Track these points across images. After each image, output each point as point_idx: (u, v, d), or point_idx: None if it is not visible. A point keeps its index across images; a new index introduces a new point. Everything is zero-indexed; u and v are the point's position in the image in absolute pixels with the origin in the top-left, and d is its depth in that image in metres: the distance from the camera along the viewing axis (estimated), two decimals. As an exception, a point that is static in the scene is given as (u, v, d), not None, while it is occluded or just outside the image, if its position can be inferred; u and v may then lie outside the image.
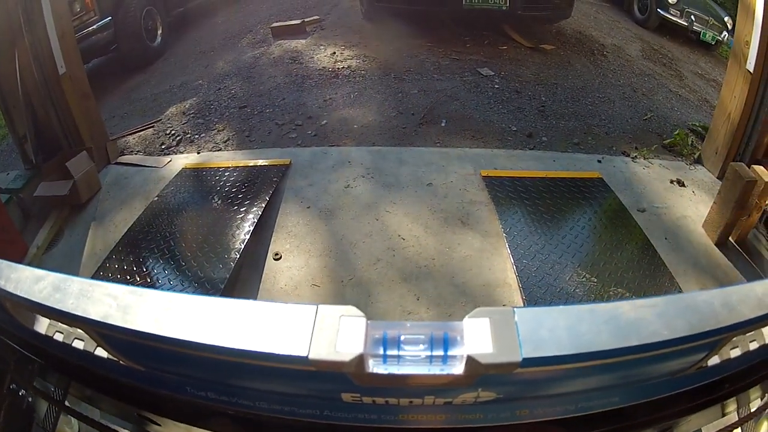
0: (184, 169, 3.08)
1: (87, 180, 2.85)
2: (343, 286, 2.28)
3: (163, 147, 3.42)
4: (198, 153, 3.31)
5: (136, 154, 3.37)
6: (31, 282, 0.58)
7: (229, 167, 3.03)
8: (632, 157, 3.19)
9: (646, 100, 4.01)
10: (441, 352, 0.49)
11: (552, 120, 3.57)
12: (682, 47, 5.55)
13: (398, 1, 4.68)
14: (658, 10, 5.70)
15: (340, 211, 2.67)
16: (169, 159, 3.24)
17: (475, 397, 0.55)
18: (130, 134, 3.59)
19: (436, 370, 0.49)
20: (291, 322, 0.50)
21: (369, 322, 0.50)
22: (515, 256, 2.32)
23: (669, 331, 0.49)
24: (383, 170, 2.95)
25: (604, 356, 0.49)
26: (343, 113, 3.60)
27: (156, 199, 2.82)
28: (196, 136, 3.49)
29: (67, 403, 0.73)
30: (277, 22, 5.06)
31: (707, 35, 5.56)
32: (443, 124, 3.45)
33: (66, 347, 0.66)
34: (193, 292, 2.19)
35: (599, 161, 3.12)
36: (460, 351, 0.49)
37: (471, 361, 0.47)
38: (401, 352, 0.49)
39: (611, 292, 2.18)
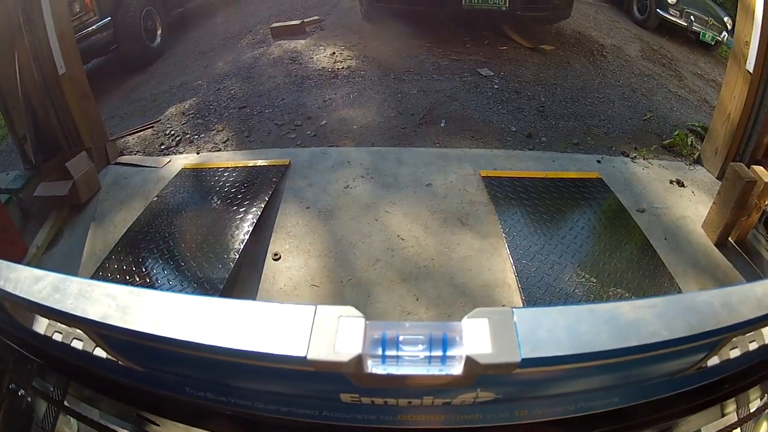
0: (183, 170, 3.08)
1: (86, 180, 2.85)
2: (343, 286, 2.28)
3: (162, 147, 3.42)
4: (197, 153, 3.31)
5: (135, 154, 3.37)
6: (31, 282, 0.58)
7: (228, 167, 3.03)
8: (632, 158, 3.19)
9: (646, 100, 4.01)
10: (440, 353, 0.49)
11: (551, 120, 3.57)
12: (682, 47, 5.55)
13: (398, 2, 4.68)
14: (658, 10, 5.71)
15: (340, 211, 2.67)
16: (168, 159, 3.24)
17: (474, 398, 0.54)
18: (130, 134, 3.59)
19: (434, 370, 0.49)
20: (290, 323, 0.50)
21: (368, 322, 0.50)
22: (514, 257, 2.32)
23: (668, 332, 0.49)
24: (383, 171, 2.95)
25: (604, 357, 0.49)
26: (342, 113, 3.60)
27: (155, 199, 2.82)
28: (196, 137, 3.49)
29: (66, 403, 0.73)
30: (276, 22, 5.06)
31: (707, 35, 5.57)
32: (443, 125, 3.46)
33: (65, 347, 0.66)
34: (193, 293, 2.19)
35: (599, 161, 3.12)
36: (459, 351, 0.49)
37: (470, 361, 0.47)
38: (400, 353, 0.49)
39: (611, 293, 2.18)
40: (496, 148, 3.24)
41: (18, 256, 2.45)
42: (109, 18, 4.32)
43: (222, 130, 3.53)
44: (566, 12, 4.80)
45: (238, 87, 4.06)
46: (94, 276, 2.34)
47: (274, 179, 2.85)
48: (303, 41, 4.69)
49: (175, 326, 0.52)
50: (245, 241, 2.41)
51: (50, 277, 0.58)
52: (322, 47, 4.53)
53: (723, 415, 0.69)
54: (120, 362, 0.62)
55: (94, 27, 4.19)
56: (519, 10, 4.44)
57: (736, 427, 0.69)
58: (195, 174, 3.05)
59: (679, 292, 2.17)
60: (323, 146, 3.24)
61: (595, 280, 2.23)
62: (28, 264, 2.37)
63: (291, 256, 2.43)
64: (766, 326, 0.60)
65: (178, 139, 3.48)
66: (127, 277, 2.31)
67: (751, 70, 2.70)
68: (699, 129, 3.54)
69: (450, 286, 2.26)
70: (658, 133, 3.52)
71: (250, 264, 2.40)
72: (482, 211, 2.66)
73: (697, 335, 0.50)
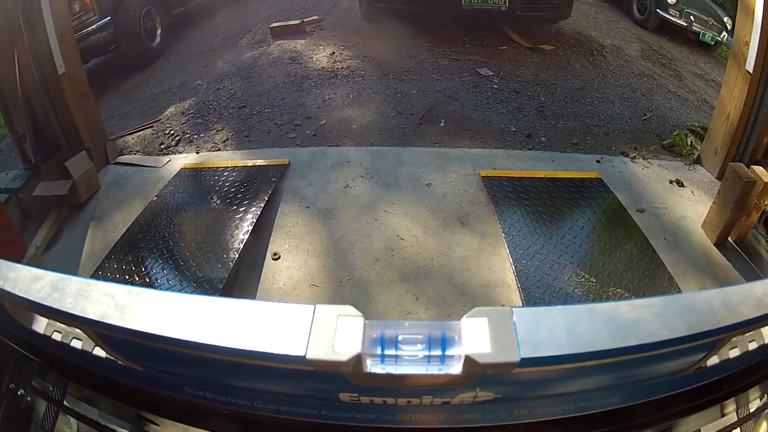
0: (183, 169, 3.08)
1: (86, 180, 2.85)
2: (342, 286, 2.28)
3: (162, 147, 3.42)
4: (197, 153, 3.31)
5: (135, 153, 3.37)
6: (30, 281, 0.58)
7: (228, 167, 3.03)
8: (631, 158, 3.19)
9: (646, 100, 4.01)
10: (439, 352, 0.49)
11: (551, 120, 3.57)
12: (682, 47, 5.55)
13: (397, 2, 4.68)
14: (658, 10, 5.71)
15: (339, 211, 2.67)
16: (168, 159, 3.24)
17: (473, 397, 0.54)
18: (129, 134, 3.59)
19: (434, 369, 0.49)
20: (289, 322, 0.50)
21: (367, 321, 0.50)
22: (514, 256, 2.32)
23: (668, 332, 0.49)
24: (382, 170, 2.95)
25: (603, 356, 0.49)
26: (342, 113, 3.60)
27: (155, 198, 2.82)
28: (195, 136, 3.49)
29: (65, 403, 0.73)
30: (276, 22, 5.06)
31: (706, 35, 5.57)
32: (442, 125, 3.45)
33: (64, 347, 0.66)
34: (192, 292, 2.19)
35: (598, 161, 3.12)
36: (458, 351, 0.49)
37: (469, 360, 0.47)
38: (399, 352, 0.49)
39: (610, 292, 2.18)
40: (495, 147, 3.24)
41: (17, 256, 2.45)
42: (109, 17, 4.32)
43: (221, 129, 3.53)
44: (566, 12, 4.80)
45: (238, 87, 4.05)
46: (94, 275, 2.34)
47: (273, 179, 2.85)
48: (302, 41, 4.69)
49: (175, 326, 0.51)
50: (245, 240, 2.41)
51: (49, 277, 0.58)
52: (321, 47, 4.53)
53: (723, 415, 0.69)
54: (119, 362, 0.62)
55: (93, 26, 4.19)
56: (519, 10, 4.44)
57: (736, 427, 0.69)
58: (194, 174, 3.05)
59: (679, 291, 2.17)
60: (323, 146, 3.24)
61: (594, 280, 2.23)
62: (28, 263, 2.37)
63: (290, 255, 2.43)
64: (765, 326, 0.60)
65: (177, 138, 3.48)
66: (127, 277, 2.31)
67: (750, 70, 2.70)
68: (699, 129, 3.54)
69: (449, 285, 2.26)
70: (658, 133, 3.52)
71: (250, 263, 2.40)
72: (482, 210, 2.66)
73: (696, 335, 0.50)
